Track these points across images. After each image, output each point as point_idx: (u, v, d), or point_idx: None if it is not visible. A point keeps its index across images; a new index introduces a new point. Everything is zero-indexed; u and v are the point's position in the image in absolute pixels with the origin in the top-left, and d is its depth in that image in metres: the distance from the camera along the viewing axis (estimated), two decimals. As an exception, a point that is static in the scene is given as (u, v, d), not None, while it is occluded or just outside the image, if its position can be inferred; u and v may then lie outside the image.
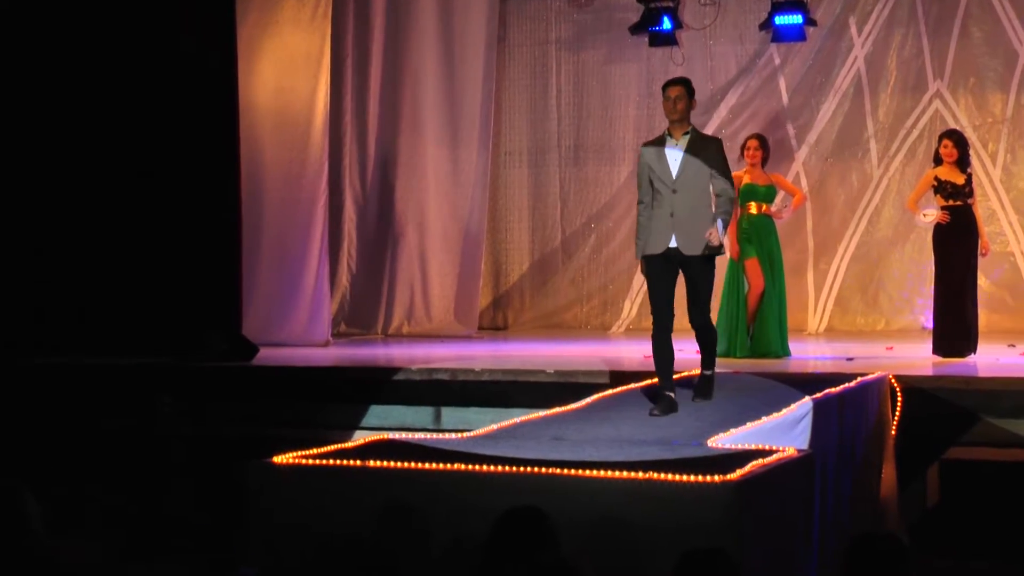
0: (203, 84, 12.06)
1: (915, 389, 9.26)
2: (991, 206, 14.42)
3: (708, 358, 8.23)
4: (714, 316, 11.85)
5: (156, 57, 12.06)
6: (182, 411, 10.39)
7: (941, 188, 11.13)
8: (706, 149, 8.03)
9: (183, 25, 12.06)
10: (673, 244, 7.88)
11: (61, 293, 12.22)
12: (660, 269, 7.93)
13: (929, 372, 9.94)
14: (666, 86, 8.10)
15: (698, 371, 8.28)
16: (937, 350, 11.10)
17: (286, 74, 13.42)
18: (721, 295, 11.67)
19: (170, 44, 12.01)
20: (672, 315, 8.01)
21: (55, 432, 10.43)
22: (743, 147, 11.81)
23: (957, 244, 11.05)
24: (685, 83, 8.06)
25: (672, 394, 7.74)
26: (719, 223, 7.93)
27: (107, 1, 12.21)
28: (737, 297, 11.54)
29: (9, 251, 12.35)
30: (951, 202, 11.09)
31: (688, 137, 8.00)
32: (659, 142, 8.07)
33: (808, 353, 12.53)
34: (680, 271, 7.98)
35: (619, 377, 9.49)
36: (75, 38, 12.24)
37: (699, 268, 7.97)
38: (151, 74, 12.07)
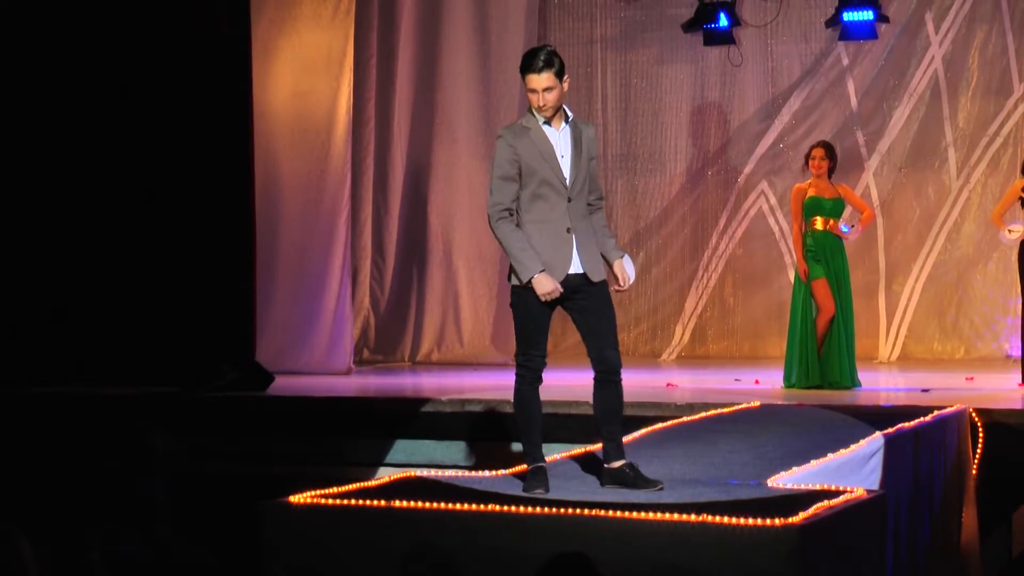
0: (214, 88, 12.12)
1: (998, 424, 9.21)
2: (1084, 221, 14.37)
3: (620, 430, 6.77)
4: (781, 341, 11.91)
5: (161, 58, 12.12)
6: (183, 447, 10.43)
7: (1027, 201, 11.12)
8: (585, 139, 6.77)
9: (191, 23, 12.12)
10: (577, 269, 6.70)
11: (58, 318, 12.30)
12: (546, 302, 6.66)
13: (1014, 405, 9.88)
14: (529, 71, 6.72)
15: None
16: (1024, 380, 11.08)
17: (305, 76, 13.48)
18: (789, 320, 11.66)
19: (177, 44, 12.08)
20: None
21: (56, 468, 10.49)
22: (807, 156, 11.79)
23: (1046, 263, 11.02)
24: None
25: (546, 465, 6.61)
26: (626, 257, 6.88)
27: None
28: (806, 321, 11.51)
29: (9, 274, 12.44)
30: (1038, 216, 11.07)
31: (569, 125, 6.79)
32: (532, 129, 6.76)
33: (879, 384, 12.49)
34: (565, 302, 6.73)
35: (670, 409, 9.49)
36: (70, 36, 12.31)
37: (604, 294, 6.76)
38: (155, 77, 12.13)
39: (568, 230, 6.70)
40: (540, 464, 6.55)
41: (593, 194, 6.83)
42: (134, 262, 12.20)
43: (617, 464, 6.61)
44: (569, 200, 6.69)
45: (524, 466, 6.65)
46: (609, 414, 6.72)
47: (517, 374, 6.72)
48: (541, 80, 6.66)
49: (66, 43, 12.33)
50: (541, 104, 6.69)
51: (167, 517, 9.73)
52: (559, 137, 6.74)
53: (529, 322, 6.69)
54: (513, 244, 6.67)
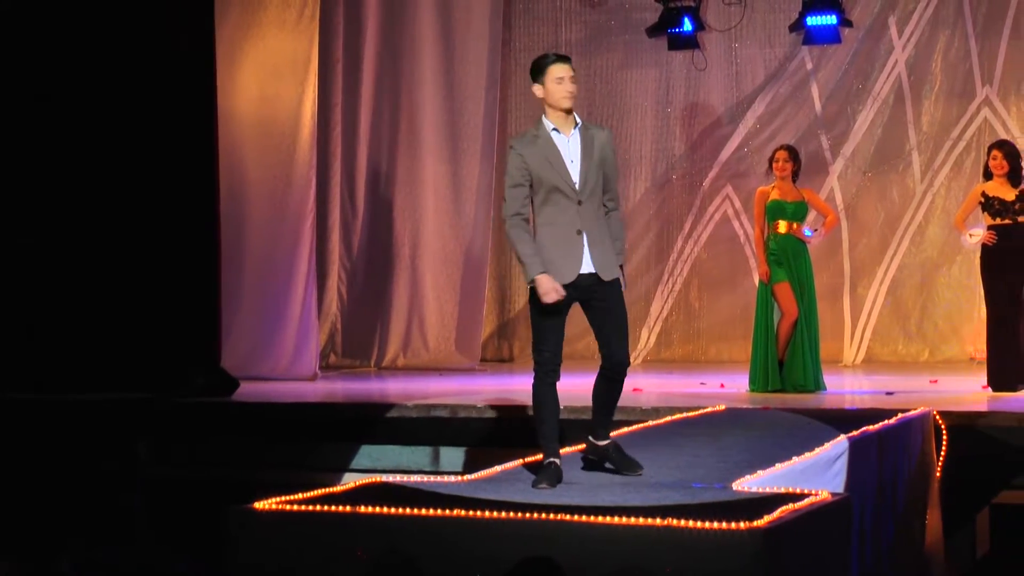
0: (178, 93, 12.07)
1: (962, 427, 9.26)
2: (1046, 224, 14.43)
3: (611, 419, 7.17)
4: (746, 345, 11.96)
5: (125, 65, 12.06)
6: (156, 452, 10.42)
7: (988, 205, 11.16)
8: (597, 144, 6.98)
9: (154, 27, 12.06)
10: (588, 269, 6.91)
11: (24, 326, 12.23)
12: (562, 303, 6.90)
13: (978, 408, 9.93)
14: (560, 60, 6.98)
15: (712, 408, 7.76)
16: (989, 383, 11.12)
17: (270, 81, 13.46)
18: (754, 324, 11.69)
19: (141, 50, 12.02)
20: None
21: (27, 476, 10.46)
22: (771, 159, 11.82)
23: (1007, 267, 11.06)
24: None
25: (559, 461, 6.82)
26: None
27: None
28: (769, 325, 11.54)
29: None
30: (999, 220, 11.12)
31: (579, 131, 6.96)
32: (540, 138, 6.92)
33: (844, 387, 12.54)
34: (581, 302, 7.01)
35: (636, 413, 9.50)
36: (30, 42, 12.23)
37: (616, 293, 7.02)
38: (119, 84, 12.07)
39: (579, 232, 6.89)
40: (552, 460, 6.78)
41: (607, 195, 7.02)
42: (99, 269, 12.14)
43: (604, 442, 7.03)
44: (580, 203, 6.88)
45: (521, 461, 6.97)
46: (608, 404, 7.08)
47: (534, 371, 6.99)
48: (569, 69, 6.93)
49: (26, 50, 12.26)
50: (570, 91, 6.90)
51: (143, 523, 9.74)
52: (568, 143, 6.91)
53: (540, 320, 6.94)
54: (519, 247, 6.90)
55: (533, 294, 6.90)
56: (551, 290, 6.83)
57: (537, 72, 6.93)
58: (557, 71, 6.90)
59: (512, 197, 6.89)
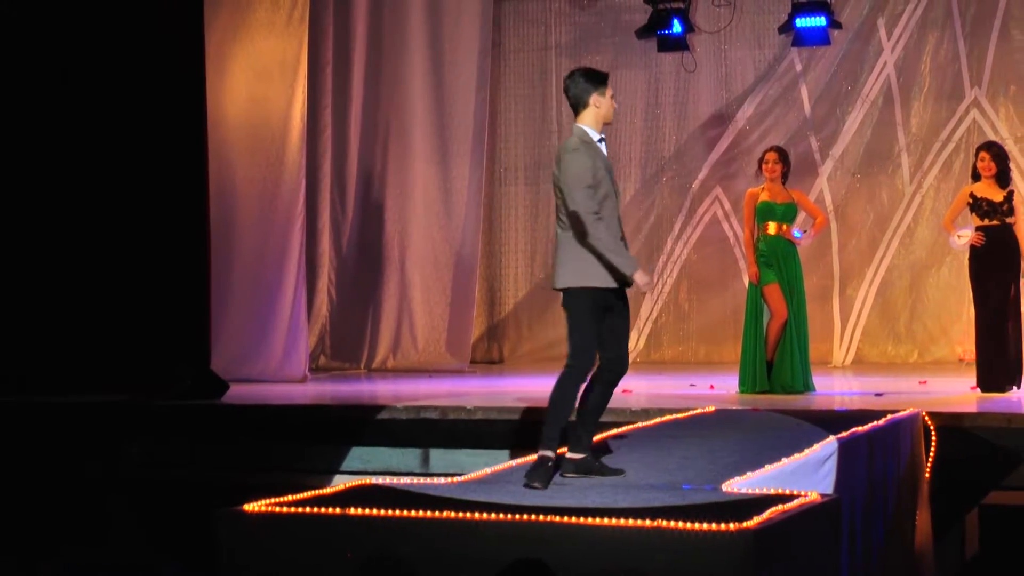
0: (168, 95, 12.08)
1: (951, 428, 9.27)
2: (1035, 226, 14.46)
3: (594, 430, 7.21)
4: (736, 346, 11.97)
5: (114, 67, 12.07)
6: (145, 454, 10.40)
7: (976, 206, 11.18)
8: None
9: (144, 29, 12.06)
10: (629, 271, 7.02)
11: (13, 327, 12.23)
12: (597, 305, 7.02)
13: (967, 409, 9.95)
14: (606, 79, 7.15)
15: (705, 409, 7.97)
16: (978, 384, 11.14)
17: (259, 83, 13.45)
18: (744, 325, 11.70)
19: (131, 52, 12.03)
20: None
21: (11, 479, 10.44)
22: (761, 161, 11.83)
23: (996, 268, 11.08)
24: None
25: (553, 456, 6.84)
26: None
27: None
28: (758, 326, 11.55)
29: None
30: (987, 222, 11.14)
31: (604, 143, 7.13)
32: (592, 145, 7.03)
33: (833, 388, 12.55)
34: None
35: (626, 415, 9.50)
36: (21, 43, 12.23)
37: (626, 298, 7.19)
38: (109, 86, 12.08)
39: (622, 237, 7.11)
40: (546, 454, 6.76)
41: None
42: (87, 270, 12.15)
43: (581, 455, 6.96)
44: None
45: (511, 463, 7.00)
46: (596, 410, 7.09)
47: (568, 371, 7.00)
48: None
49: (15, 52, 12.26)
50: (615, 108, 7.18)
51: (131, 526, 9.72)
52: (605, 153, 7.08)
53: (589, 323, 7.00)
54: (611, 244, 6.91)
55: (580, 298, 6.95)
56: (650, 280, 7.07)
57: (599, 83, 7.02)
58: (610, 89, 7.06)
59: (588, 196, 6.87)
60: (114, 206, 12.09)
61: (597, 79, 7.01)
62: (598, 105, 6.99)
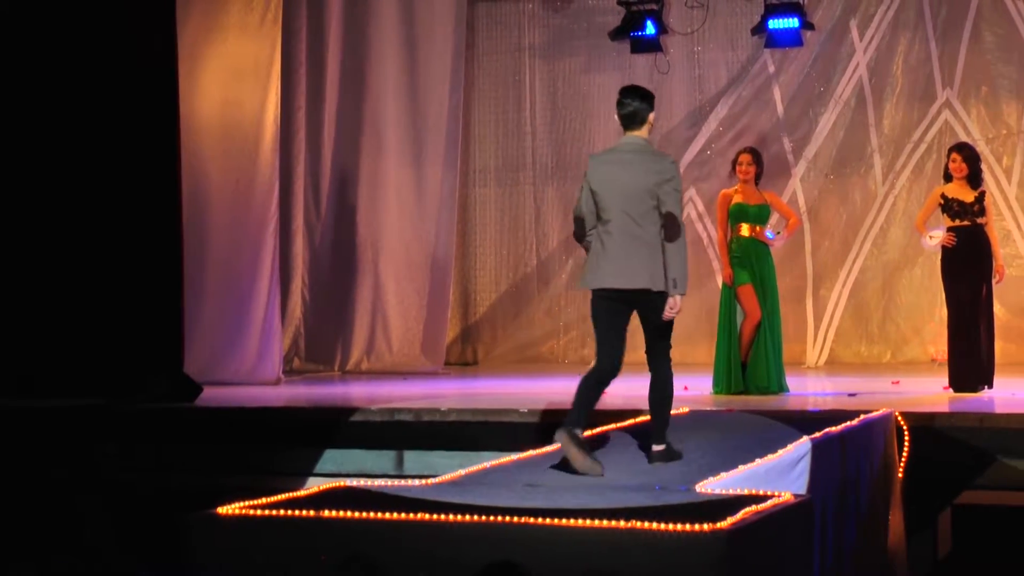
0: (140, 97, 12.03)
1: (924, 427, 9.30)
2: (1006, 226, 14.54)
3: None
4: (710, 347, 11.99)
5: (85, 69, 12.02)
6: (118, 458, 10.37)
7: (948, 207, 11.22)
8: None
9: (116, 31, 12.02)
10: None
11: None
12: (617, 306, 7.63)
13: (939, 409, 9.99)
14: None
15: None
16: (950, 384, 11.18)
17: (232, 85, 13.43)
18: (718, 326, 11.72)
19: (102, 51, 11.98)
20: None
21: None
22: (734, 162, 11.86)
23: (967, 268, 11.13)
24: None
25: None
26: None
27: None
28: (732, 327, 11.57)
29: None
30: (958, 222, 11.18)
31: None
32: None
33: (806, 389, 12.58)
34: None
35: (599, 416, 9.51)
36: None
37: None
38: (80, 88, 12.03)
39: None
40: (570, 429, 7.21)
41: None
42: (61, 274, 12.10)
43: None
44: None
45: (484, 465, 7.21)
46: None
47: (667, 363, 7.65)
48: None
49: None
50: None
51: (101, 529, 9.70)
52: None
53: (599, 324, 7.57)
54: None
55: (596, 298, 7.49)
56: None
57: (652, 104, 7.80)
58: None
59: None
60: (86, 208, 12.04)
61: (652, 100, 7.77)
62: (651, 122, 7.76)
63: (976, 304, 11.14)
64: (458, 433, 9.93)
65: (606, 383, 7.52)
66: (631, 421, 8.99)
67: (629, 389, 12.44)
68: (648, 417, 9.06)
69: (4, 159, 12.21)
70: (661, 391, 7.57)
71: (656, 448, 7.47)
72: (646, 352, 7.62)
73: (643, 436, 8.38)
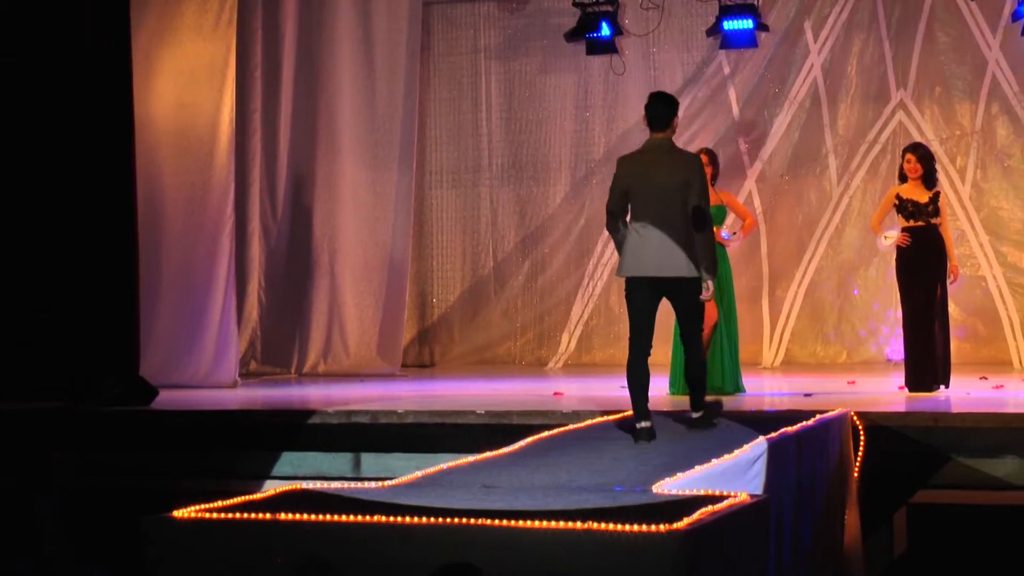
0: (94, 99, 11.96)
1: (879, 427, 9.35)
2: (960, 226, 14.61)
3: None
4: (667, 348, 12.02)
5: (37, 67, 11.94)
6: (72, 462, 10.31)
7: (902, 207, 11.28)
8: None
9: (69, 32, 11.95)
10: None
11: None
12: (646, 295, 8.74)
13: (895, 408, 10.04)
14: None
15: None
16: (906, 384, 11.23)
17: (187, 88, 13.38)
18: (674, 326, 11.73)
19: (54, 53, 11.91)
20: None
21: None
22: (690, 164, 11.85)
23: (922, 269, 11.19)
24: None
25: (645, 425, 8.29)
26: None
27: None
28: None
29: None
30: (913, 223, 11.24)
31: None
32: None
33: (763, 389, 12.63)
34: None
35: (557, 417, 9.52)
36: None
37: None
38: (31, 87, 11.95)
39: None
40: (639, 424, 8.20)
41: None
42: (14, 275, 12.01)
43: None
44: None
45: (441, 467, 7.32)
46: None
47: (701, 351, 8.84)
48: None
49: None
50: None
51: (57, 534, 9.63)
52: None
53: (635, 308, 8.62)
54: None
55: (628, 288, 8.58)
56: None
57: (677, 110, 8.54)
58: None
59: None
60: (39, 210, 11.95)
61: (676, 106, 8.56)
62: (675, 126, 8.52)
63: (931, 304, 11.20)
64: (415, 435, 9.93)
65: (646, 360, 8.53)
66: (587, 422, 9.01)
67: (582, 389, 12.47)
68: (601, 419, 9.14)
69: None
70: (698, 368, 8.66)
71: (695, 415, 8.65)
72: (681, 337, 8.90)
73: (601, 435, 8.40)
